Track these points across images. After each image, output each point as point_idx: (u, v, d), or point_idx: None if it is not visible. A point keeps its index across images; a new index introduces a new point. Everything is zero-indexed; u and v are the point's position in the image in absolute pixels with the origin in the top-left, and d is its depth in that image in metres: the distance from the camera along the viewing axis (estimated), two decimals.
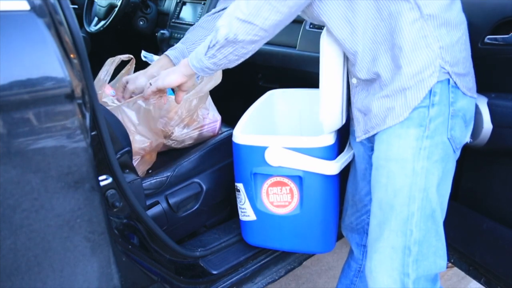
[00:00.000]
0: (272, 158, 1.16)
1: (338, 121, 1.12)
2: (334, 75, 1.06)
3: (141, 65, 1.63)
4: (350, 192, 1.26)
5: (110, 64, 1.43)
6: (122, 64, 1.58)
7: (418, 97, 0.93)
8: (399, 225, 0.96)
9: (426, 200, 0.95)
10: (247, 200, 1.27)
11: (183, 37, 1.98)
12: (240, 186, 1.27)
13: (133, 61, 1.54)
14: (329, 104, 1.08)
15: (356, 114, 1.08)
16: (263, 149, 1.17)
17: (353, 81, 1.07)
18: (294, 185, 1.20)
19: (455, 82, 0.94)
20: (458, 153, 1.01)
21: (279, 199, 1.23)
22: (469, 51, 1.00)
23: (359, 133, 1.08)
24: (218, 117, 1.57)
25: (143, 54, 1.58)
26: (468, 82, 0.98)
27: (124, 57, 1.48)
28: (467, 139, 1.03)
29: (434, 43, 0.91)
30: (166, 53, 1.34)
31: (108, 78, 1.45)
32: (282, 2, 0.89)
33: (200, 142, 1.53)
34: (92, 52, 2.09)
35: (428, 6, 0.90)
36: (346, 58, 1.06)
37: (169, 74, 1.14)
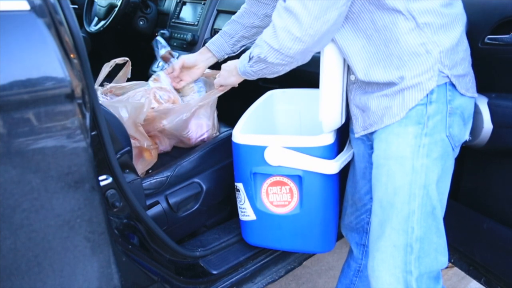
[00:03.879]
0: (272, 157, 1.16)
1: (337, 120, 1.12)
2: (334, 74, 1.06)
3: (139, 66, 1.64)
4: (350, 191, 1.26)
5: (105, 68, 1.48)
6: (122, 66, 1.60)
7: (416, 98, 0.93)
8: (400, 223, 0.97)
9: (426, 197, 0.95)
10: (247, 200, 1.27)
11: (183, 36, 1.99)
12: (240, 186, 1.27)
13: (129, 63, 1.56)
14: (329, 103, 1.08)
15: (354, 110, 1.08)
16: (262, 148, 1.17)
17: (351, 78, 1.07)
18: (294, 185, 1.20)
19: (453, 84, 0.94)
20: (457, 150, 1.01)
21: (278, 199, 1.23)
22: (468, 51, 1.00)
23: (358, 129, 1.08)
24: (206, 127, 1.53)
25: (158, 38, 1.64)
26: (467, 82, 0.98)
27: (119, 60, 1.50)
28: (466, 137, 1.03)
29: (433, 48, 0.91)
30: (207, 45, 1.46)
31: (100, 81, 1.49)
32: (303, 32, 0.90)
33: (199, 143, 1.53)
34: (92, 52, 2.09)
35: (422, 15, 0.90)
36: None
37: (230, 77, 1.28)
